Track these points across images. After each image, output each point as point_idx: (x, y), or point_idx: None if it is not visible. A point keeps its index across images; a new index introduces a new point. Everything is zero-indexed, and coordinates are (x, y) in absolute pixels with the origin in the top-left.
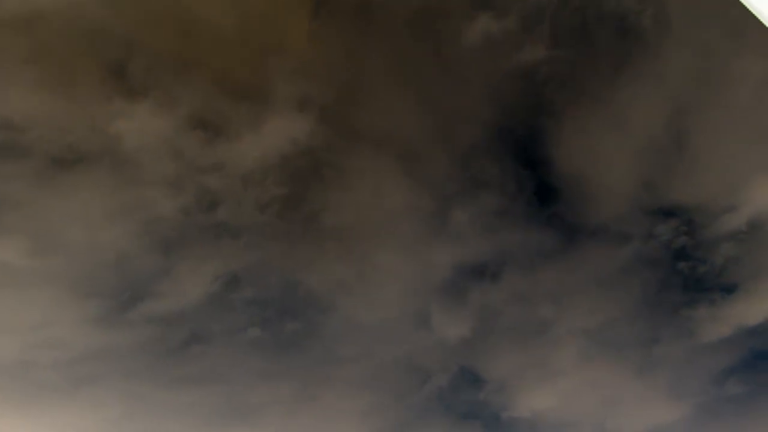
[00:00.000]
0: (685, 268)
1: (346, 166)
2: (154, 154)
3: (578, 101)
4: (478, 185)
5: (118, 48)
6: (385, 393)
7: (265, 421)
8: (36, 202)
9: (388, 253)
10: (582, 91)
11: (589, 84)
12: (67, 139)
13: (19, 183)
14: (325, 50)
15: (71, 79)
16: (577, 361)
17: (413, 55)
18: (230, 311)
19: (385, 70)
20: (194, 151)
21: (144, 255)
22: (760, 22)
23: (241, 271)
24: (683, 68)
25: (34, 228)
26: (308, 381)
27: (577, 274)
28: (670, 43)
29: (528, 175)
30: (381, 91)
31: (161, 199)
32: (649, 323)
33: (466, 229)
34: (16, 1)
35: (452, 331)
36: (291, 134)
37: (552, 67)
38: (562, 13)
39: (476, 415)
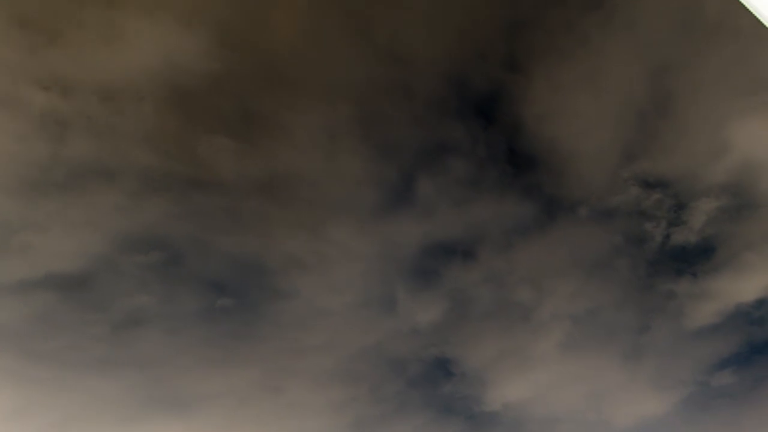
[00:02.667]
0: (668, 244)
1: (287, 121)
2: None
3: (550, 55)
4: (444, 150)
5: None
6: (357, 385)
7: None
8: None
9: (346, 228)
10: (553, 45)
11: (561, 37)
12: None
13: None
14: None
15: None
16: (559, 350)
17: None
18: (164, 286)
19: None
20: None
21: None
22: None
23: (144, 231)
24: (662, 19)
25: None
26: (270, 371)
27: (557, 252)
28: None
29: (499, 139)
30: (329, 36)
31: None
32: (636, 307)
33: (433, 202)
34: None
35: (423, 316)
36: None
37: (521, 13)
38: None
39: (453, 407)
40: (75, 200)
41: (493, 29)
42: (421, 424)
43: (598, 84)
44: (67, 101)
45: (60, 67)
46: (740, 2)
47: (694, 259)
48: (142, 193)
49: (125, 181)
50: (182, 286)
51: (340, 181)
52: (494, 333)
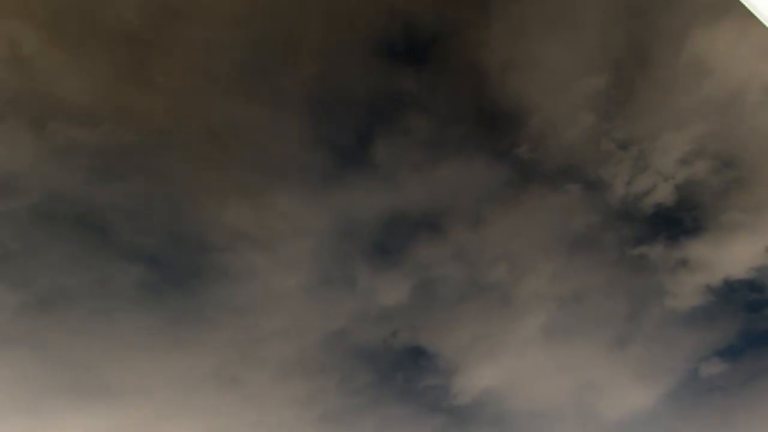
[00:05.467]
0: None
1: (218, 67)
2: None
3: None
4: (399, 105)
5: None
6: (323, 377)
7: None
8: None
9: (293, 197)
10: None
11: None
12: None
13: None
14: None
15: None
16: (540, 336)
17: None
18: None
19: None
20: None
21: None
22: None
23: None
24: None
25: None
26: (224, 359)
27: (532, 226)
28: None
29: (464, 90)
30: None
31: None
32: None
33: (391, 166)
34: None
35: (387, 299)
36: None
37: None
38: None
39: (427, 400)
40: None
41: None
42: (393, 418)
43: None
44: None
45: None
46: (740, 2)
47: (678, 223)
48: (60, 154)
49: None
50: (112, 262)
51: (282, 140)
52: (468, 317)
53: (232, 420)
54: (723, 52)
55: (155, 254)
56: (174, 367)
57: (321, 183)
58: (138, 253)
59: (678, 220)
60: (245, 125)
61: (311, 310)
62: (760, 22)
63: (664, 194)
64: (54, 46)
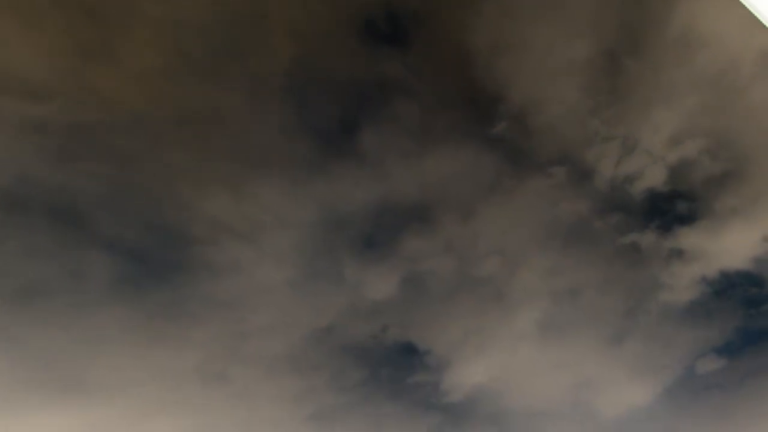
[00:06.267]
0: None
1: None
2: None
3: None
4: (386, 90)
5: None
6: (313, 374)
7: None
8: None
9: (276, 187)
10: None
11: None
12: None
13: None
14: None
15: None
16: (534, 331)
17: None
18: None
19: None
20: None
21: None
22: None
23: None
24: None
25: None
26: (210, 355)
27: (526, 217)
28: None
29: (450, 73)
30: None
31: None
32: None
33: (378, 154)
34: None
35: (376, 294)
36: None
37: None
38: None
39: (417, 397)
40: None
41: None
42: (386, 416)
43: (558, 5)
44: None
45: None
46: (740, 2)
47: (671, 211)
48: (22, 134)
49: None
50: (89, 254)
51: (262, 126)
52: (461, 312)
53: (219, 418)
54: (712, 24)
55: (133, 245)
56: (155, 363)
57: (305, 172)
58: (114, 244)
59: (670, 207)
60: (221, 109)
61: (298, 305)
62: None
63: (654, 178)
64: (7, 18)
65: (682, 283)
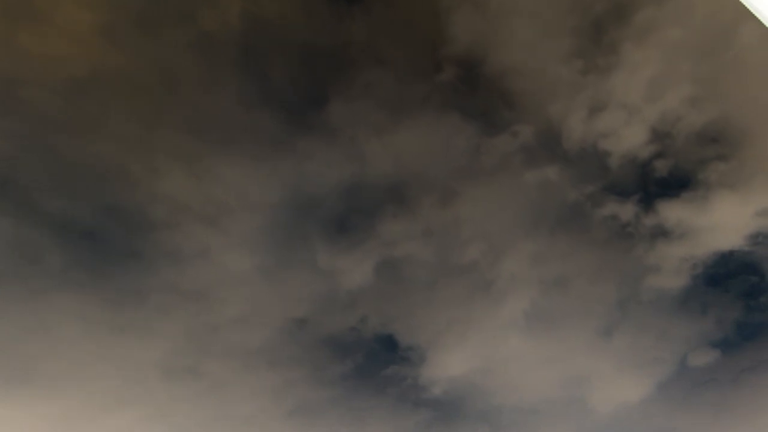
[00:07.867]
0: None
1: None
2: None
3: None
4: (353, 58)
5: None
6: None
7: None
8: None
9: (238, 165)
10: None
11: None
12: None
13: None
14: None
15: None
16: (521, 322)
17: None
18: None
19: None
20: None
21: None
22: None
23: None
24: None
25: None
26: (180, 347)
27: (511, 198)
28: None
29: (419, 34)
30: None
31: None
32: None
33: (348, 128)
34: None
35: (350, 281)
36: None
37: None
38: None
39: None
40: None
41: None
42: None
43: None
44: None
45: None
46: (740, 2)
47: (653, 181)
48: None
49: None
50: (34, 234)
51: (217, 95)
52: (442, 301)
53: (188, 414)
54: None
55: (83, 227)
56: (114, 354)
57: (268, 148)
58: (64, 225)
59: (652, 177)
60: (169, 74)
61: (270, 294)
62: None
63: (632, 139)
64: None
65: (672, 266)
